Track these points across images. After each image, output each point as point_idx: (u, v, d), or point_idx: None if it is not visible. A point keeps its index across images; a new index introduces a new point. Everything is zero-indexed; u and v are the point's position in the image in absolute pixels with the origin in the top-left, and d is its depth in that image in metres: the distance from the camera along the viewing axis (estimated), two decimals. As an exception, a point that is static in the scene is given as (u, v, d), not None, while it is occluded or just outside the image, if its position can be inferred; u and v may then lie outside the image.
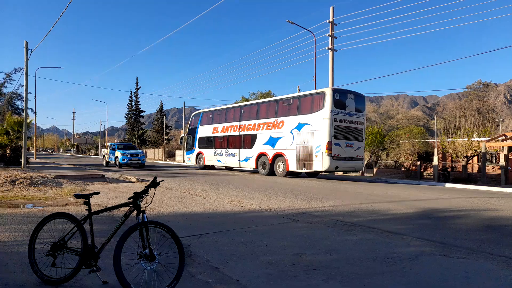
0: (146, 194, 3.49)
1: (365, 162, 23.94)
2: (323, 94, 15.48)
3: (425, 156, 27.89)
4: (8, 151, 24.15)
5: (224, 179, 16.11)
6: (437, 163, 23.40)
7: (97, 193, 3.85)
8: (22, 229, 5.73)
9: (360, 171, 21.46)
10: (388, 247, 5.02)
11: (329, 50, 22.14)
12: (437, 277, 3.94)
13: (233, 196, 10.08)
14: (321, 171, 15.57)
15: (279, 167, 17.31)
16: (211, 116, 22.74)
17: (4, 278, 3.64)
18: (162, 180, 3.98)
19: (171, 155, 55.39)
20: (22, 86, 61.17)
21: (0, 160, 25.81)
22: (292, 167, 16.53)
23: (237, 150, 19.92)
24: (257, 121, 18.75)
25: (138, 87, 72.46)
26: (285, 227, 6.22)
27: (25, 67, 20.05)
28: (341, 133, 15.27)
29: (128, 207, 3.52)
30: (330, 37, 22.12)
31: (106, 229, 5.47)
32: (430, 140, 28.14)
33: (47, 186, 11.51)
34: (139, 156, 24.78)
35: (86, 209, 3.60)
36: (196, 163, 23.75)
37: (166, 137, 62.78)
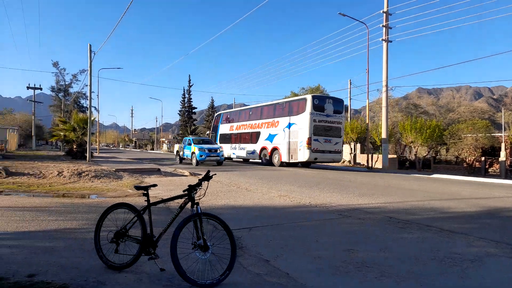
0: (200, 187, 3.62)
1: (421, 157, 24.89)
2: (305, 99, 19.70)
3: (491, 152, 25.87)
4: (75, 146, 26.19)
5: (273, 174, 16.21)
6: (504, 159, 21.69)
7: (155, 185, 4.05)
8: (88, 218, 6.21)
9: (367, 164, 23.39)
10: (448, 247, 4.75)
11: (383, 41, 21.26)
12: (505, 282, 3.66)
13: (283, 191, 10.10)
14: (303, 161, 19.39)
15: (275, 158, 21.57)
16: (228, 116, 27.90)
17: (74, 263, 3.98)
18: (215, 174, 4.09)
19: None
20: (86, 85, 65.46)
21: (68, 154, 28.11)
22: (284, 158, 20.73)
23: (247, 144, 24.45)
24: (260, 121, 23.27)
25: (190, 84, 74.70)
26: (336, 222, 6.13)
27: (89, 68, 21.54)
28: (320, 131, 19.20)
29: (183, 199, 3.67)
30: (384, 28, 21.22)
31: (162, 220, 5.77)
32: (497, 134, 26.04)
33: (109, 178, 12.34)
34: (218, 151, 20.61)
35: (145, 200, 3.81)
36: None
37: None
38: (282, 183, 12.37)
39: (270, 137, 22.34)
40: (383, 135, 22.83)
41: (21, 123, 63.09)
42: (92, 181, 11.74)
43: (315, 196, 9.14)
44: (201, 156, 20.33)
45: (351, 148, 29.13)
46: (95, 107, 48.43)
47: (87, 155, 21.62)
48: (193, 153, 21.15)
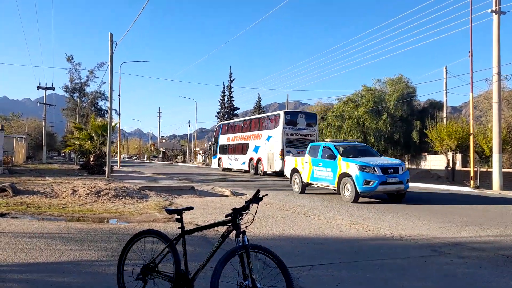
0: (247, 211, 3.63)
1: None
2: (278, 115, 28.02)
3: None
4: (91, 159, 27.65)
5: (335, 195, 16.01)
6: None
7: (191, 208, 4.14)
8: (108, 248, 6.49)
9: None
10: None
11: (494, 13, 20.27)
12: None
13: (353, 217, 9.93)
14: (276, 171, 26.72)
15: (259, 168, 29.37)
16: (227, 127, 36.26)
17: (92, 302, 4.16)
18: (266, 195, 4.08)
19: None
20: (105, 83, 69.30)
21: (83, 168, 29.74)
22: (266, 168, 28.29)
23: (239, 155, 32.40)
24: (249, 133, 31.43)
25: (232, 79, 76.22)
26: (428, 262, 5.90)
27: (109, 61, 22.73)
28: (292, 143, 26.33)
29: (225, 227, 3.70)
30: (494, -5, 20.25)
31: (199, 252, 5.87)
32: None
33: (133, 198, 12.85)
34: (401, 172, 13.29)
35: (178, 227, 3.90)
36: (218, 166, 37.08)
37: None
38: (352, 206, 12.12)
39: (256, 149, 30.46)
40: (495, 142, 21.48)
41: (30, 130, 67.54)
42: (112, 202, 12.29)
43: (398, 225, 8.86)
44: (368, 182, 12.82)
45: (448, 160, 27.83)
46: (115, 110, 50.78)
47: (106, 169, 22.74)
48: (344, 175, 13.60)
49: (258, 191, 3.68)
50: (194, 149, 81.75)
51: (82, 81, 54.36)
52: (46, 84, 54.80)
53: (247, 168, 32.04)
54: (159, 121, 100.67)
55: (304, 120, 28.43)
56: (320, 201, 13.43)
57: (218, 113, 77.09)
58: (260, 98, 72.38)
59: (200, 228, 3.98)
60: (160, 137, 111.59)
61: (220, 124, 39.43)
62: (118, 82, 43.88)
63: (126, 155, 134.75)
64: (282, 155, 26.11)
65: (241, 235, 3.55)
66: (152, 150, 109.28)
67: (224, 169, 36.71)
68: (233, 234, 3.65)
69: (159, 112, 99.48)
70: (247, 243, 3.50)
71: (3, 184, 13.42)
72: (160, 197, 13.76)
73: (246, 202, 3.64)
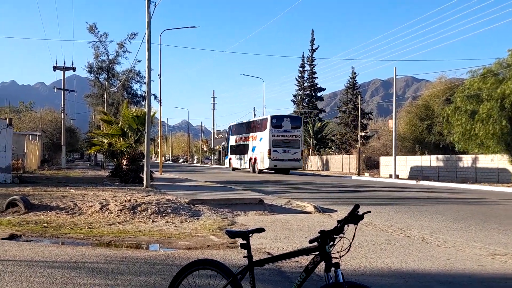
0: (341, 235, 3.59)
1: None
2: (266, 119, 46.41)
3: None
4: (124, 162, 28.67)
5: (471, 209, 15.48)
6: None
7: (261, 230, 4.14)
8: (150, 283, 6.69)
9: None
10: None
11: None
12: None
13: (498, 244, 9.63)
14: (266, 168, 44.55)
15: (256, 167, 45.74)
16: (235, 129, 54.25)
17: None
18: (369, 212, 3.97)
19: (371, 165, 56.02)
20: (140, 61, 71.48)
21: (114, 174, 30.94)
22: (260, 167, 44.89)
23: (243, 155, 49.21)
24: (249, 134, 48.39)
25: (314, 48, 75.81)
26: None
27: (146, 29, 23.48)
28: (279, 143, 43.68)
29: (309, 256, 3.68)
30: None
31: (271, 292, 5.89)
32: None
33: (180, 216, 13.20)
34: None
35: (244, 256, 3.94)
36: (229, 166, 54.81)
37: (363, 133, 63.39)
38: (495, 228, 11.66)
39: (253, 149, 48.00)
40: None
41: (45, 124, 70.27)
42: (153, 221, 12.70)
43: None
44: None
45: None
46: (155, 96, 52.05)
47: (145, 176, 23.50)
48: None
49: (356, 207, 3.61)
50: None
51: (110, 57, 55.91)
52: (64, 64, 56.15)
53: (248, 167, 50.46)
54: (213, 109, 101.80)
55: (289, 123, 46.58)
56: (445, 221, 13.06)
57: (295, 96, 77.27)
58: (355, 73, 71.01)
59: (274, 258, 3.99)
60: (215, 131, 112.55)
61: (230, 126, 59.06)
62: (158, 58, 45.10)
63: (169, 156, 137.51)
64: (270, 154, 44.98)
65: (332, 269, 3.51)
66: (205, 149, 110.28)
67: (234, 169, 55.04)
68: (321, 266, 3.62)
69: (213, 97, 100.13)
70: (341, 280, 3.46)
71: (13, 197, 14.30)
72: (217, 214, 14.02)
73: (339, 222, 3.59)
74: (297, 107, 75.66)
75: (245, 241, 3.89)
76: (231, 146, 55.59)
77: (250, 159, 49.14)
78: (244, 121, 56.54)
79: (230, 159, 56.21)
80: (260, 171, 47.00)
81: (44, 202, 14.95)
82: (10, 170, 26.26)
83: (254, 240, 9.78)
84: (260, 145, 46.81)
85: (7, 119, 28.06)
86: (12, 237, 10.36)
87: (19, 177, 27.20)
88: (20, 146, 40.73)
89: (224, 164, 59.49)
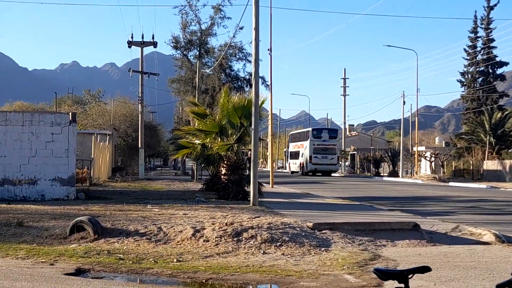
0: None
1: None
2: (308, 131, 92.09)
3: None
4: (223, 171, 28.96)
5: None
6: None
7: (425, 269, 4.06)
8: None
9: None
10: None
11: None
12: None
13: None
14: (308, 171, 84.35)
15: (303, 170, 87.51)
16: (292, 137, 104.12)
17: None
18: None
19: None
20: (241, 28, 70.54)
21: (209, 188, 31.44)
22: (305, 170, 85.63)
23: (296, 160, 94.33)
24: (299, 143, 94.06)
25: (491, 3, 73.22)
26: None
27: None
28: (318, 151, 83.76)
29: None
30: None
31: None
32: None
33: (301, 245, 13.19)
34: None
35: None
36: (288, 170, 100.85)
37: None
38: None
39: (302, 155, 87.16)
40: None
41: (117, 120, 70.54)
42: (264, 252, 12.79)
43: None
44: None
45: None
46: (263, 79, 52.12)
47: (251, 190, 23.62)
48: None
49: None
50: (414, 148, 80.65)
51: (203, 27, 55.72)
52: (142, 37, 56.21)
53: (299, 170, 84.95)
54: (344, 94, 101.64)
55: (328, 134, 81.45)
56: None
57: (462, 74, 75.24)
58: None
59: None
60: (347, 126, 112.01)
61: (290, 134, 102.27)
62: (268, 26, 44.80)
63: (282, 162, 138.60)
64: (311, 160, 78.89)
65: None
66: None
67: (292, 172, 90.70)
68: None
69: (344, 79, 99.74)
70: None
71: (79, 219, 14.82)
72: (353, 243, 13.90)
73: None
74: (466, 90, 73.76)
75: (402, 285, 3.85)
76: (290, 152, 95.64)
77: (301, 163, 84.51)
78: (299, 131, 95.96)
79: (289, 163, 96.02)
80: (305, 173, 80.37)
81: (119, 225, 15.38)
82: (74, 182, 26.93)
83: (415, 282, 9.72)
84: (305, 152, 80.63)
85: (70, 113, 28.51)
86: (79, 272, 10.72)
87: (85, 191, 27.96)
88: (85, 150, 41.70)
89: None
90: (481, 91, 71.31)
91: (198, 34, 55.08)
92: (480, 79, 72.55)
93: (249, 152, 30.31)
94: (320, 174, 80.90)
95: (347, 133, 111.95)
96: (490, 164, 65.19)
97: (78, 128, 32.54)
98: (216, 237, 13.69)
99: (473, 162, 66.62)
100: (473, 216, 20.80)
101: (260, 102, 26.09)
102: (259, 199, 24.02)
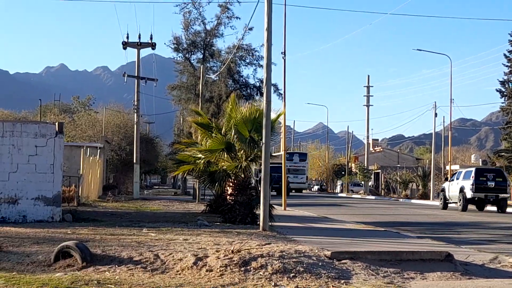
0: None
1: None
2: (281, 155, 79.40)
3: None
4: (229, 190, 28.91)
5: None
6: None
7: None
8: None
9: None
10: None
11: None
12: None
13: None
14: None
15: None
16: (287, 156, 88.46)
17: None
18: None
19: None
20: (251, 29, 70.07)
21: (213, 209, 31.50)
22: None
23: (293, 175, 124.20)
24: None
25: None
26: None
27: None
28: (291, 171, 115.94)
29: None
30: None
31: None
32: None
33: (318, 277, 13.17)
34: None
35: None
36: None
37: None
38: None
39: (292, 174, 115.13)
40: None
41: (110, 131, 70.57)
42: (275, 284, 12.74)
43: None
44: None
45: None
46: (276, 87, 51.94)
47: (261, 212, 23.58)
48: None
49: None
50: (447, 167, 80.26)
51: (208, 27, 55.73)
52: (139, 38, 55.90)
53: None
54: (368, 105, 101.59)
55: (298, 157, 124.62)
56: None
57: (502, 83, 75.25)
58: None
59: None
60: (370, 140, 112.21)
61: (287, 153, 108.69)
62: (282, 27, 44.76)
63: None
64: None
65: None
66: (354, 170, 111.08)
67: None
68: None
69: (367, 87, 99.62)
70: None
71: (65, 244, 14.74)
72: (377, 275, 13.86)
73: None
74: (506, 101, 73.71)
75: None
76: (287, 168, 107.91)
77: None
78: (276, 154, 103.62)
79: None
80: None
81: (111, 251, 15.37)
82: (60, 201, 26.74)
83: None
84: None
85: (56, 123, 27.94)
86: (64, 307, 10.71)
87: (72, 212, 27.93)
88: (73, 165, 41.85)
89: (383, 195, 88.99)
90: (524, 103, 71.11)
91: (202, 35, 55.14)
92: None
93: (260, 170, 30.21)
94: (294, 191, 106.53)
95: (371, 148, 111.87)
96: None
97: (65, 140, 32.46)
98: (220, 267, 13.66)
99: (514, 184, 66.06)
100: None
101: (275, 116, 25.88)
102: (270, 223, 24.00)
